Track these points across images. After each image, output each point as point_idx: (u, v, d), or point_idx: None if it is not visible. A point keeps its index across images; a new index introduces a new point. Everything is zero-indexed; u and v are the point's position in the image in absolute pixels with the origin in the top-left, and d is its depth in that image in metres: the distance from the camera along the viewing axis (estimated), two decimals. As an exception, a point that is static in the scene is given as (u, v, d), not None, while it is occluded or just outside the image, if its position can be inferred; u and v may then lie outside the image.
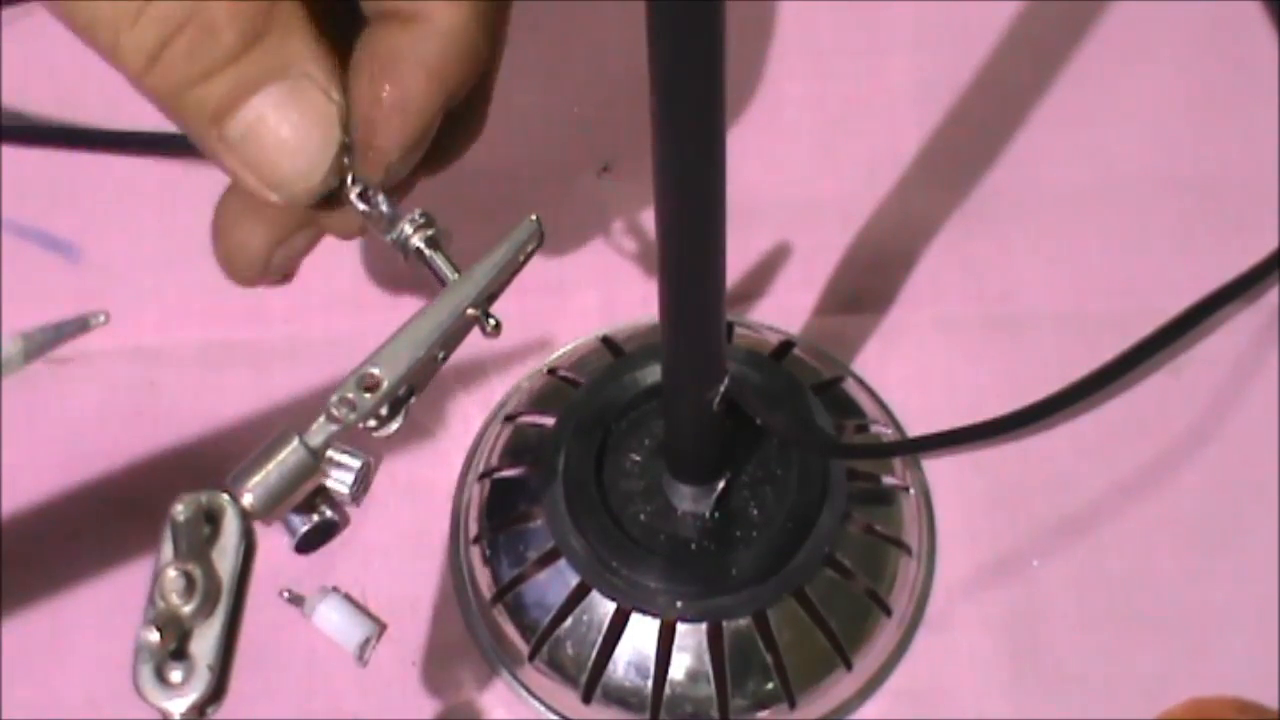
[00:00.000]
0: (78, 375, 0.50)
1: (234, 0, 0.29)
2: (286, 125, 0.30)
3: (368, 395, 0.31)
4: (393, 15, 0.31)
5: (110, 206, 0.53)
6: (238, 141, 0.30)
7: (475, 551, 0.46)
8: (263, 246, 0.34)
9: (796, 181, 0.53)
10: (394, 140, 0.31)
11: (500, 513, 0.45)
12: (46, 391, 0.49)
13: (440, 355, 0.32)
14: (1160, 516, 0.47)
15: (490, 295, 0.33)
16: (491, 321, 0.32)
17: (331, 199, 0.32)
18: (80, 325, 0.32)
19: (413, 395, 0.32)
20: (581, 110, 0.54)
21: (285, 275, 0.35)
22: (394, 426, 0.32)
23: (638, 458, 0.44)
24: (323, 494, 0.46)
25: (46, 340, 0.32)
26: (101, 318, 0.33)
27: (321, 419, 0.31)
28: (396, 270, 0.51)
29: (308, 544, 0.47)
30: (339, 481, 0.46)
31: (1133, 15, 0.55)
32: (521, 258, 0.33)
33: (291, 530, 0.46)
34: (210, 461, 0.48)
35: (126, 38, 0.29)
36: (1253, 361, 0.49)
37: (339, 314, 0.51)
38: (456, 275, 0.33)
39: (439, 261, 0.33)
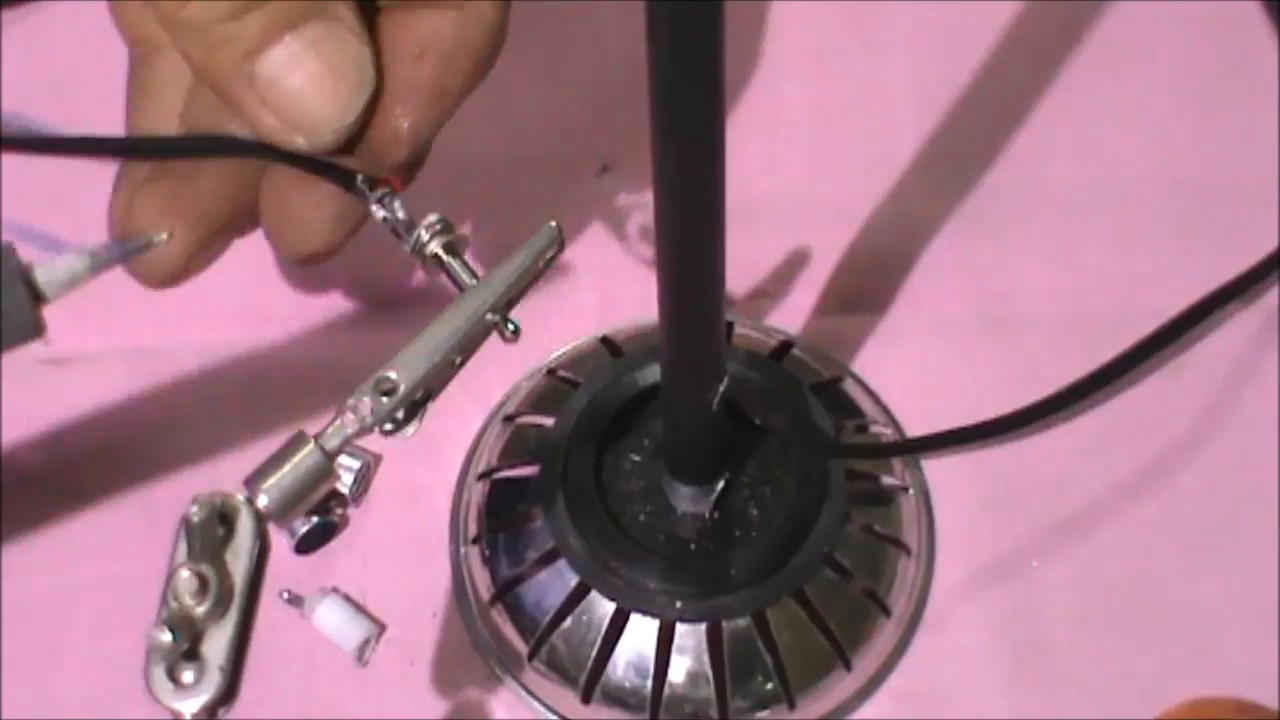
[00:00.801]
0: (76, 375, 0.50)
1: None
2: (321, 64, 0.29)
3: (385, 399, 0.31)
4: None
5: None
6: (268, 81, 0.29)
7: (474, 552, 0.46)
8: (189, 248, 0.33)
9: (796, 182, 0.53)
10: (428, 122, 0.31)
11: (499, 513, 0.45)
12: (45, 391, 0.49)
13: (458, 360, 0.32)
14: (1159, 517, 0.47)
15: (509, 301, 0.33)
16: (510, 327, 0.32)
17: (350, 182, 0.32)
18: (145, 244, 0.32)
19: (430, 399, 0.32)
20: (581, 110, 0.54)
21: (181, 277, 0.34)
22: (410, 430, 0.32)
23: (637, 458, 0.44)
24: (335, 497, 0.46)
25: (111, 256, 0.31)
26: (164, 235, 0.32)
27: (338, 422, 0.31)
28: (393, 273, 0.51)
29: (307, 545, 0.47)
30: (339, 482, 0.46)
31: (1131, 16, 0.55)
32: (541, 264, 0.33)
33: (291, 531, 0.46)
34: (209, 462, 0.48)
35: None
36: (1251, 363, 0.49)
37: (336, 316, 0.51)
38: (474, 280, 0.33)
39: (456, 267, 0.33)
